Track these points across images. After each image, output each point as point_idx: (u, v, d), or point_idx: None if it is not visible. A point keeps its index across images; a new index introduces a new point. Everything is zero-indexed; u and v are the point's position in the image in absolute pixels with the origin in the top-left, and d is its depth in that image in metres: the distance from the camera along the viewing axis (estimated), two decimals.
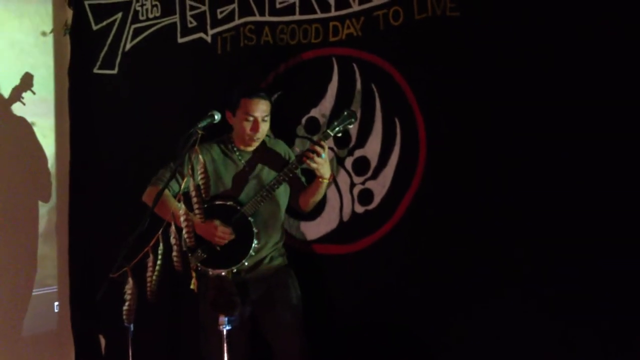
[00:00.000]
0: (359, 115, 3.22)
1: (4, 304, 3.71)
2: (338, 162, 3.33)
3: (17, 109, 3.85)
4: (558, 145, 2.90)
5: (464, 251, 3.07)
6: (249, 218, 2.98)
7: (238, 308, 2.75)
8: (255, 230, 2.97)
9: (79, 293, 3.96)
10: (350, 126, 3.12)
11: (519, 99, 3.00)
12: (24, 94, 3.86)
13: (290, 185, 3.16)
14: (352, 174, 3.34)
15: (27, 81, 3.88)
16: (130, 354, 2.91)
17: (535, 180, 2.96)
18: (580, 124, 2.86)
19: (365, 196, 3.30)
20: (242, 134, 3.07)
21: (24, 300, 3.84)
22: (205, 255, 2.95)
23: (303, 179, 3.18)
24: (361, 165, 3.32)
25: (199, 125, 2.72)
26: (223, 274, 2.95)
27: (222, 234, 2.93)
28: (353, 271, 3.28)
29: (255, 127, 3.03)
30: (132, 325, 2.85)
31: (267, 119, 3.08)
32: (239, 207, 3.00)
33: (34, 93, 3.87)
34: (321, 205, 3.33)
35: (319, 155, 2.92)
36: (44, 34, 3.81)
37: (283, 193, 3.14)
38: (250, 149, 3.12)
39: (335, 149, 3.35)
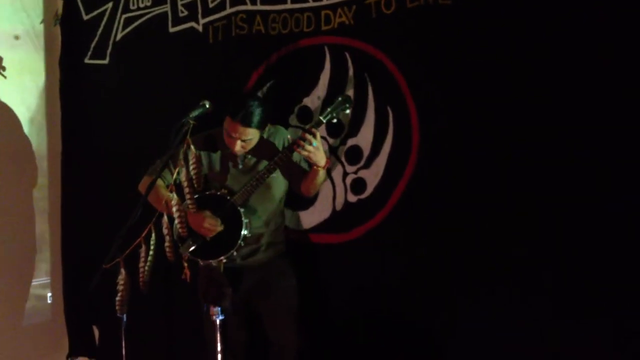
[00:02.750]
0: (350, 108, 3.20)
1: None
2: (330, 151, 3.33)
3: (5, 99, 3.83)
4: (552, 133, 2.90)
5: (458, 239, 3.07)
6: (239, 208, 2.96)
7: (228, 299, 2.75)
8: (245, 220, 2.95)
9: (72, 284, 3.96)
10: (347, 112, 3.06)
11: (511, 87, 2.99)
12: (11, 82, 3.83)
13: (290, 172, 3.13)
14: (345, 163, 3.33)
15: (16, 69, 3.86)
16: (123, 344, 2.92)
17: (529, 168, 2.96)
18: (576, 112, 2.86)
19: (358, 185, 3.30)
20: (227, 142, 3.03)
21: (20, 292, 3.84)
22: (194, 245, 2.94)
23: (305, 166, 3.14)
24: (354, 155, 3.31)
25: (191, 115, 2.71)
26: (213, 264, 2.93)
27: (210, 225, 2.92)
28: (347, 260, 3.28)
29: (232, 144, 2.96)
30: (125, 316, 2.86)
31: (251, 141, 2.98)
32: (229, 197, 2.99)
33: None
34: (314, 195, 3.33)
35: (310, 143, 2.89)
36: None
37: (280, 181, 3.12)
38: None
39: (327, 138, 3.35)
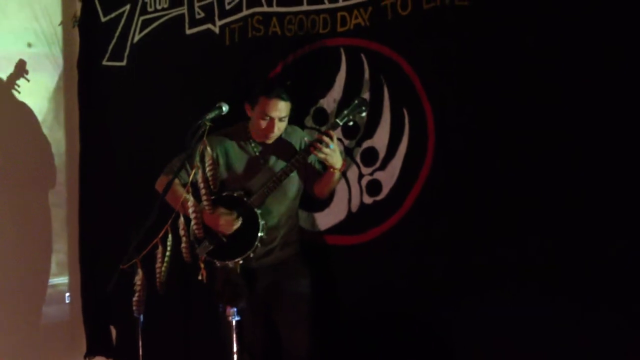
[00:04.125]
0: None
1: (17, 296, 3.74)
2: (346, 153, 3.33)
3: (25, 100, 3.86)
4: (570, 134, 2.88)
5: (474, 241, 3.06)
6: (256, 209, 2.97)
7: (244, 300, 2.76)
8: (261, 221, 2.96)
9: (90, 284, 3.99)
10: (363, 114, 3.08)
11: (528, 88, 2.98)
12: (30, 84, 3.87)
13: (305, 174, 3.14)
14: (361, 165, 3.33)
15: (35, 72, 3.89)
16: (140, 344, 2.94)
17: (546, 170, 2.95)
18: (593, 113, 2.84)
19: (374, 187, 3.29)
20: (257, 130, 3.06)
21: (37, 292, 3.87)
22: (211, 247, 2.95)
23: (320, 168, 3.16)
24: (369, 156, 3.31)
25: (207, 117, 2.72)
26: (230, 265, 2.95)
27: (225, 221, 2.93)
28: (362, 262, 3.27)
29: (270, 127, 3.01)
30: (142, 316, 2.88)
31: (285, 119, 3.05)
32: (245, 199, 3.00)
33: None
34: (329, 197, 3.33)
35: (327, 145, 2.90)
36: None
37: (295, 183, 3.13)
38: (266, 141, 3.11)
39: (343, 139, 3.35)
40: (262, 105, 2.99)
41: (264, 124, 3.01)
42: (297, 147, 3.14)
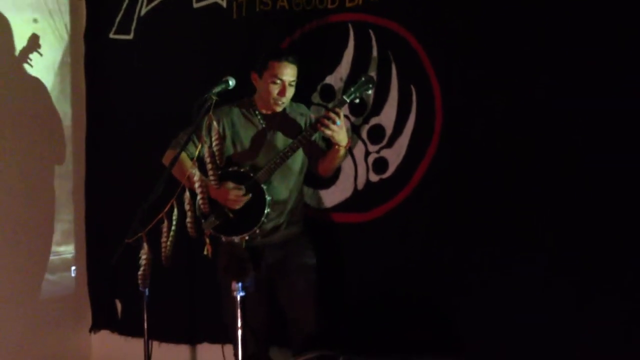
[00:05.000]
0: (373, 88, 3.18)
1: (22, 268, 3.75)
2: (353, 130, 3.31)
3: (32, 72, 3.85)
4: (581, 114, 2.87)
5: (480, 219, 3.06)
6: (262, 185, 2.96)
7: (249, 275, 2.76)
8: (268, 197, 2.95)
9: (96, 258, 4.00)
10: (369, 92, 3.07)
11: (537, 65, 2.96)
12: (38, 57, 3.85)
13: (310, 151, 3.13)
14: (367, 142, 3.32)
15: (41, 45, 3.87)
16: (145, 318, 2.95)
17: (554, 147, 2.94)
18: (603, 91, 2.83)
19: (380, 165, 3.29)
20: (267, 97, 3.04)
21: (41, 264, 3.89)
22: (218, 222, 2.95)
23: (323, 145, 3.15)
24: (376, 134, 3.30)
25: (213, 91, 2.70)
26: (236, 240, 2.94)
27: (235, 196, 2.92)
28: (367, 239, 3.28)
29: (282, 91, 3.00)
30: (147, 290, 2.89)
31: (294, 83, 3.04)
32: (252, 174, 2.99)
33: (40, 55, 3.85)
34: (336, 174, 3.32)
35: (333, 122, 2.88)
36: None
37: (299, 160, 3.12)
38: (272, 111, 3.09)
39: (350, 117, 3.33)
40: (273, 69, 2.98)
41: (275, 88, 2.99)
42: (303, 125, 3.12)
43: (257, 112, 3.10)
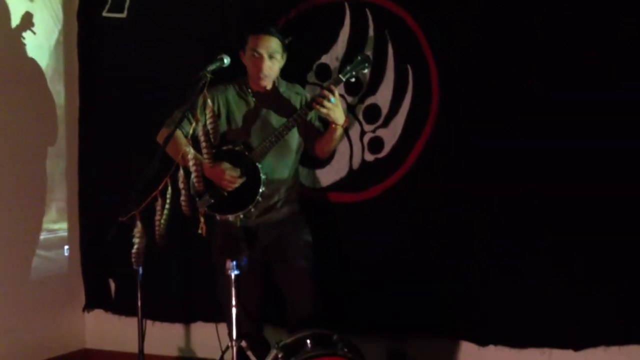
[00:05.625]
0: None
1: (16, 248, 3.74)
2: (349, 109, 3.30)
3: (26, 52, 3.81)
4: (577, 97, 2.87)
5: (476, 199, 3.06)
6: (257, 164, 2.94)
7: (244, 253, 2.75)
8: (263, 176, 2.93)
9: (89, 237, 3.99)
10: (365, 71, 3.03)
11: (534, 46, 2.95)
12: (32, 36, 3.81)
13: (306, 132, 3.11)
14: (363, 122, 3.31)
15: (34, 23, 3.82)
16: (139, 296, 2.94)
17: (549, 129, 2.95)
18: (599, 75, 2.83)
19: (376, 144, 3.28)
20: (251, 73, 3.02)
21: (34, 243, 3.87)
22: (212, 200, 2.93)
23: (319, 125, 3.12)
24: (372, 113, 3.29)
25: (208, 69, 2.67)
26: (230, 219, 2.93)
27: (230, 177, 2.91)
28: (363, 219, 3.28)
29: (259, 63, 2.96)
30: (141, 269, 2.87)
31: (277, 56, 2.99)
32: (247, 153, 2.97)
33: (34, 33, 3.81)
34: (331, 154, 3.31)
35: (329, 100, 2.85)
36: None
37: (295, 139, 3.10)
38: (263, 89, 3.07)
39: (346, 96, 3.31)
40: (251, 42, 2.97)
41: (255, 62, 2.97)
42: (298, 104, 3.09)
43: (249, 90, 3.08)
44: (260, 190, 2.92)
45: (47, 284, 3.90)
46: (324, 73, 3.36)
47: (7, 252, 3.67)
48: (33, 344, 3.77)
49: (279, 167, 3.04)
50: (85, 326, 4.10)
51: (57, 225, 3.97)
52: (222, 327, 3.02)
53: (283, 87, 3.12)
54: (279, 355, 2.59)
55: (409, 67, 3.21)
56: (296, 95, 3.13)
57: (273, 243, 3.07)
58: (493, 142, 3.04)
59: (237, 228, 2.89)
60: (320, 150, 3.11)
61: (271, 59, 2.97)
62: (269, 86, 3.06)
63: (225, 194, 2.92)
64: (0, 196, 3.64)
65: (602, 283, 2.88)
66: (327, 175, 3.37)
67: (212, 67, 2.70)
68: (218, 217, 2.96)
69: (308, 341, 2.60)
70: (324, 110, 2.87)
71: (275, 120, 3.05)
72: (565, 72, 2.91)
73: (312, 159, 3.24)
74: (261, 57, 2.96)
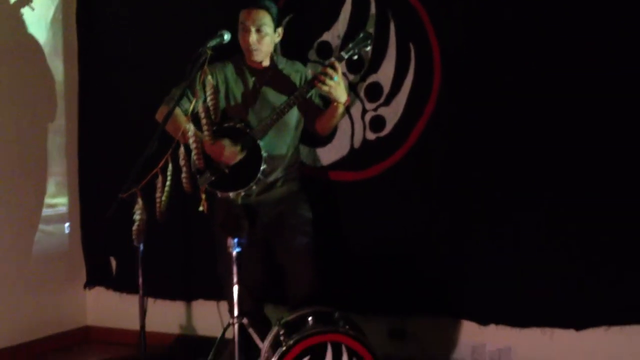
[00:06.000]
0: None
1: (16, 224, 3.73)
2: (350, 88, 3.27)
3: (24, 28, 3.78)
4: (579, 76, 2.86)
5: (477, 178, 3.06)
6: (258, 141, 2.93)
7: (245, 231, 2.75)
8: (264, 153, 2.92)
9: (90, 215, 3.99)
10: (367, 48, 2.98)
11: (537, 23, 2.93)
12: (30, 12, 3.78)
13: (307, 109, 3.07)
14: (365, 100, 3.29)
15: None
16: (140, 273, 2.94)
17: (550, 107, 2.94)
18: (601, 54, 2.82)
19: (377, 123, 3.26)
20: (242, 48, 2.99)
21: (35, 219, 3.87)
22: (213, 178, 2.92)
23: (318, 102, 3.08)
24: (374, 92, 3.27)
25: (208, 45, 2.64)
26: (231, 196, 2.92)
27: (230, 153, 2.89)
28: (364, 198, 3.27)
29: (245, 36, 2.93)
30: (141, 246, 2.87)
31: (266, 29, 2.94)
32: (248, 130, 2.95)
33: (32, 9, 3.78)
34: (332, 132, 3.30)
35: (331, 77, 2.81)
36: None
37: (295, 116, 3.07)
38: (260, 65, 3.03)
39: (347, 74, 3.29)
40: (240, 17, 2.95)
41: (244, 36, 2.94)
42: (298, 81, 3.06)
43: (246, 67, 3.04)
44: (262, 167, 2.90)
45: (48, 261, 3.90)
46: (325, 51, 3.33)
47: (9, 229, 3.67)
48: (35, 320, 3.79)
49: (278, 144, 3.02)
50: (87, 303, 4.11)
51: (55, 200, 3.97)
52: (223, 305, 3.02)
53: (282, 64, 3.09)
54: (281, 332, 2.60)
55: (411, 45, 3.18)
56: (296, 73, 3.10)
57: (274, 220, 3.06)
58: (495, 122, 3.02)
59: (238, 206, 2.88)
60: (321, 127, 3.07)
61: (259, 32, 2.93)
62: (264, 62, 3.03)
63: (226, 170, 2.91)
64: (1, 172, 3.63)
65: (604, 263, 2.88)
66: (328, 154, 3.36)
67: (212, 43, 2.67)
68: (219, 194, 2.95)
69: (309, 318, 2.60)
70: (325, 88, 2.83)
71: (274, 97, 3.02)
72: (570, 47, 2.89)
73: (312, 136, 3.22)
74: (248, 30, 2.92)
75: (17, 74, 3.72)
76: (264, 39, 2.95)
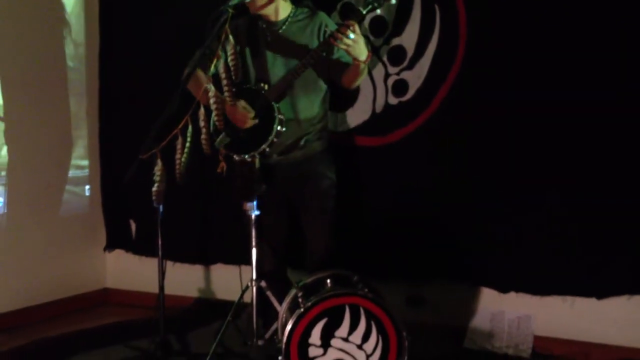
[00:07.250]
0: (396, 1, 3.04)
1: (39, 187, 3.75)
2: (373, 52, 3.21)
3: None
4: (603, 45, 2.79)
5: (498, 147, 3.01)
6: (273, 103, 2.86)
7: (256, 195, 2.73)
8: (279, 115, 2.84)
9: (110, 177, 3.99)
10: (393, 1, 2.72)
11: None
12: None
13: (331, 65, 2.92)
14: (387, 64, 3.23)
15: None
16: (159, 234, 2.94)
17: (576, 77, 2.87)
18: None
19: (400, 87, 3.21)
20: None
21: (59, 184, 3.89)
22: (228, 139, 2.87)
23: (347, 59, 2.83)
24: (397, 55, 3.21)
25: (230, 4, 2.59)
26: (247, 159, 2.86)
27: (242, 116, 2.84)
28: (385, 163, 3.23)
29: None
30: (161, 207, 2.87)
31: None
32: (264, 91, 2.89)
33: None
34: (353, 96, 3.25)
35: (347, 36, 2.70)
36: None
37: (313, 75, 2.95)
38: (272, 18, 2.93)
39: (370, 37, 3.23)
40: None
41: None
42: (315, 34, 2.91)
43: (262, 22, 2.93)
44: (275, 129, 2.83)
45: (68, 223, 3.93)
46: (349, 13, 3.25)
47: (33, 189, 3.70)
48: (55, 281, 3.83)
49: (303, 104, 2.94)
50: (106, 266, 4.14)
51: (84, 162, 4.00)
52: (246, 270, 2.98)
53: (301, 16, 2.95)
54: (299, 295, 2.58)
55: (436, 7, 3.11)
56: (316, 23, 2.93)
57: (295, 181, 3.00)
58: (520, 89, 2.96)
59: (254, 169, 2.82)
60: (348, 80, 2.90)
61: None
62: (274, 16, 2.91)
63: (241, 133, 2.86)
64: (28, 135, 3.65)
65: (627, 232, 2.83)
66: (350, 118, 3.32)
67: (234, 2, 2.62)
68: (236, 157, 2.89)
69: (328, 281, 2.58)
70: (343, 47, 2.70)
71: (289, 53, 2.90)
72: (600, 27, 2.82)
73: (335, 100, 3.14)
74: None
75: (39, 37, 3.72)
76: None
